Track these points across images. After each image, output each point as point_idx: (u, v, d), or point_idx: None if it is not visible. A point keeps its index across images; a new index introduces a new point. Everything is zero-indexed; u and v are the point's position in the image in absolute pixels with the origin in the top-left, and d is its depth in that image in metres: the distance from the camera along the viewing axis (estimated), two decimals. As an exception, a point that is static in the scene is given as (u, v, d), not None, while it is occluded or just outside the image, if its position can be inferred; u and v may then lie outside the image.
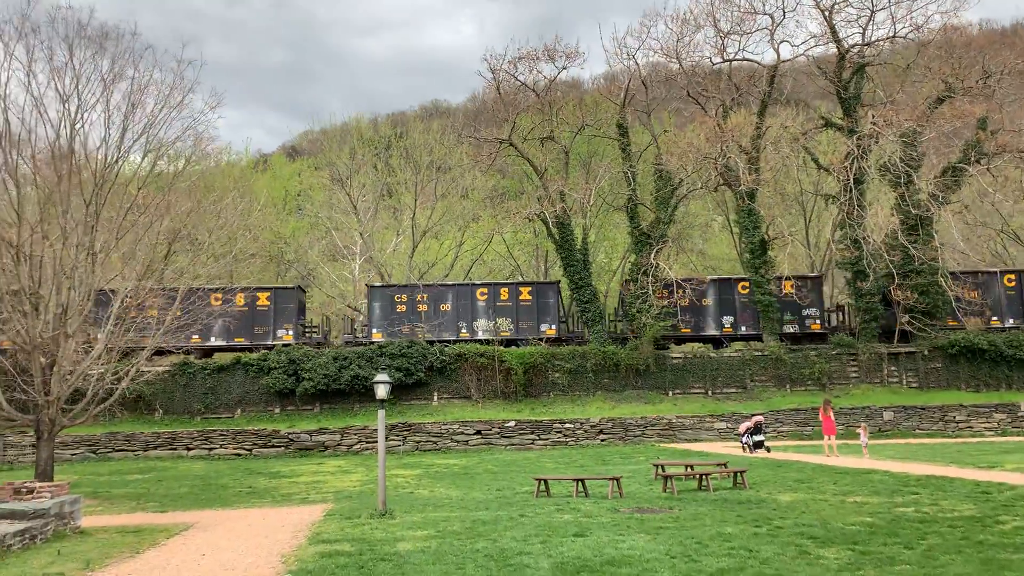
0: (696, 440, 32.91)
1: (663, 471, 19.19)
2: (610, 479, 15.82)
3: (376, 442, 32.78)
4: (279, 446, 32.06)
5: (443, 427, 32.96)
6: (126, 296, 19.83)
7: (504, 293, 38.07)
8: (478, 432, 32.83)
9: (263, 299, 37.21)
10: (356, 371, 34.66)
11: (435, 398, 36.07)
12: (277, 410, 35.07)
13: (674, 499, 15.08)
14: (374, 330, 37.62)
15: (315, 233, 57.67)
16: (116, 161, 18.94)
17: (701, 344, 39.37)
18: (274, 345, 36.41)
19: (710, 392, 36.93)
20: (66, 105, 18.33)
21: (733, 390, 36.98)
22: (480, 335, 37.71)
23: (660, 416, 33.58)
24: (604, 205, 44.95)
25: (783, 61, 39.28)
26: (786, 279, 36.20)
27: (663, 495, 15.80)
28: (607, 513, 13.17)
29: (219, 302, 36.17)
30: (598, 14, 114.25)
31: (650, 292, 35.08)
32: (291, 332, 37.04)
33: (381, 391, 13.63)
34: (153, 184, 20.46)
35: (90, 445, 31.84)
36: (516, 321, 37.87)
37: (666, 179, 38.35)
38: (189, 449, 31.75)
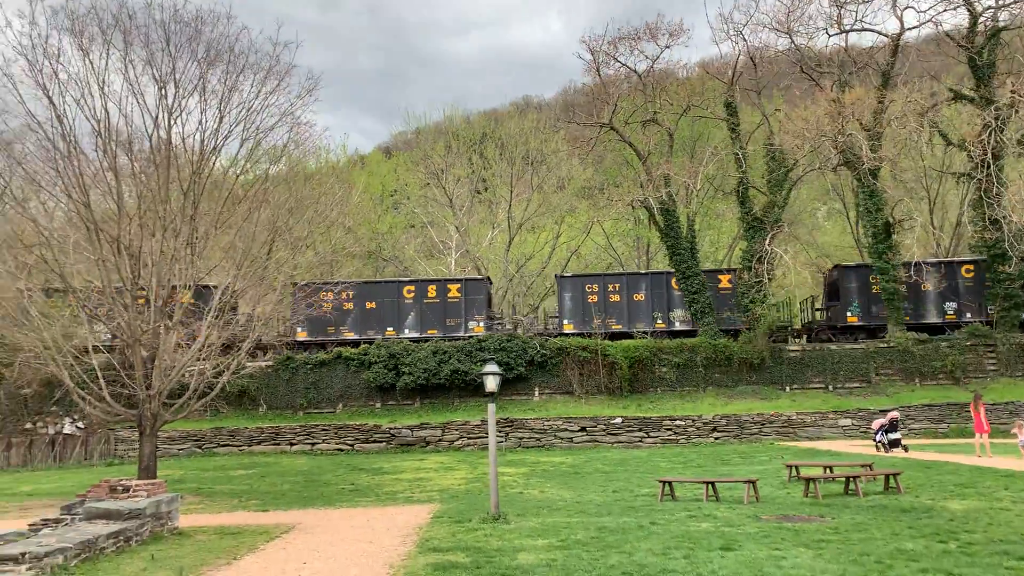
0: (818, 438, 30.59)
1: (797, 472, 17.41)
2: (745, 482, 14.15)
3: (480, 438, 31.98)
4: (380, 441, 31.47)
5: (546, 423, 31.69)
6: (226, 288, 19.30)
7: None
8: (583, 429, 31.42)
9: (454, 291, 36.88)
10: (456, 365, 33.83)
11: (536, 393, 34.86)
12: (378, 405, 34.55)
13: (821, 505, 13.32)
14: (565, 321, 36.75)
15: (412, 232, 57.43)
16: (214, 149, 18.38)
17: (923, 333, 35.38)
18: (468, 337, 35.72)
19: (831, 387, 34.45)
20: (163, 91, 17.87)
21: (856, 385, 34.39)
22: (677, 325, 36.47)
23: (778, 413, 31.39)
24: (709, 191, 42.73)
25: (908, 29, 36.25)
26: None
27: (805, 500, 14.04)
28: (749, 521, 11.58)
29: (411, 294, 36.03)
30: (692, 1, 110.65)
31: (765, 280, 32.87)
32: (481, 323, 36.45)
33: (491, 383, 12.39)
34: (252, 172, 19.86)
35: (196, 440, 31.98)
36: (716, 310, 36.10)
37: (779, 160, 35.99)
38: (292, 444, 31.51)
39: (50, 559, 8.76)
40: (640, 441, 31.03)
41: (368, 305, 36.35)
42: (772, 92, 45.36)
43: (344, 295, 36.02)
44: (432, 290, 36.59)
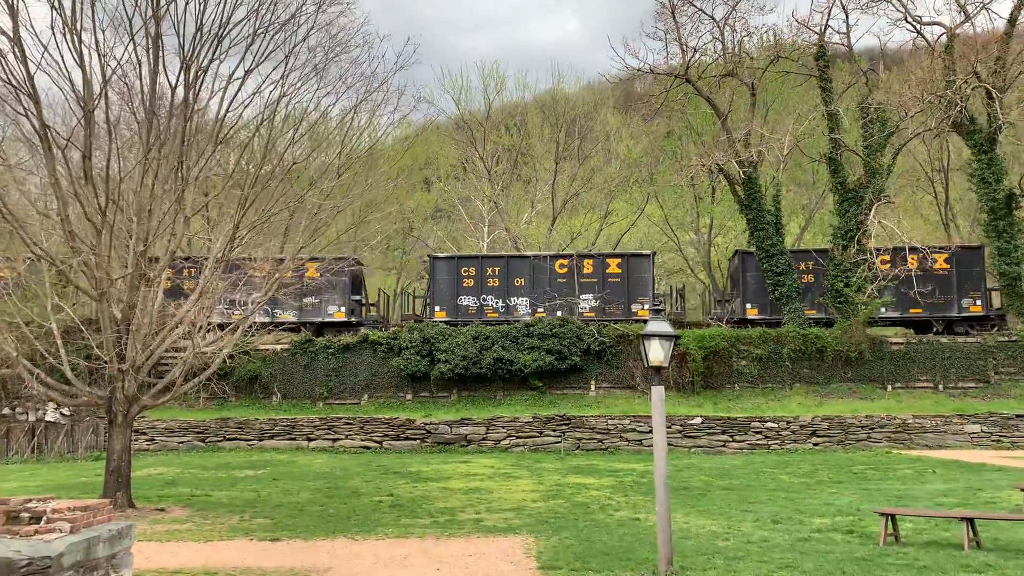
0: (941, 446, 25.44)
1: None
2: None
3: (531, 437, 26.88)
4: (414, 439, 26.59)
5: (610, 423, 26.66)
6: (228, 239, 14.40)
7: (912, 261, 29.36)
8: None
9: (940, 261, 31.04)
10: (499, 352, 28.84)
11: (592, 387, 29.81)
12: (409, 396, 29.62)
13: None
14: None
15: (438, 215, 52.65)
16: (214, 40, 13.45)
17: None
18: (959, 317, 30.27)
19: (941, 386, 29.20)
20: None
21: (971, 384, 29.11)
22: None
23: (891, 416, 26.23)
24: (789, 162, 37.51)
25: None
26: None
27: None
28: None
29: (886, 266, 29.61)
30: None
31: (875, 259, 27.72)
32: (978, 302, 30.68)
33: (657, 350, 7.36)
34: (263, 79, 14.87)
35: (199, 432, 27.23)
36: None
37: (882, 121, 30.73)
38: (310, 440, 26.71)
39: None
40: (723, 446, 25.99)
41: None
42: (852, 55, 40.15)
43: (803, 266, 30.79)
44: (913, 261, 29.81)
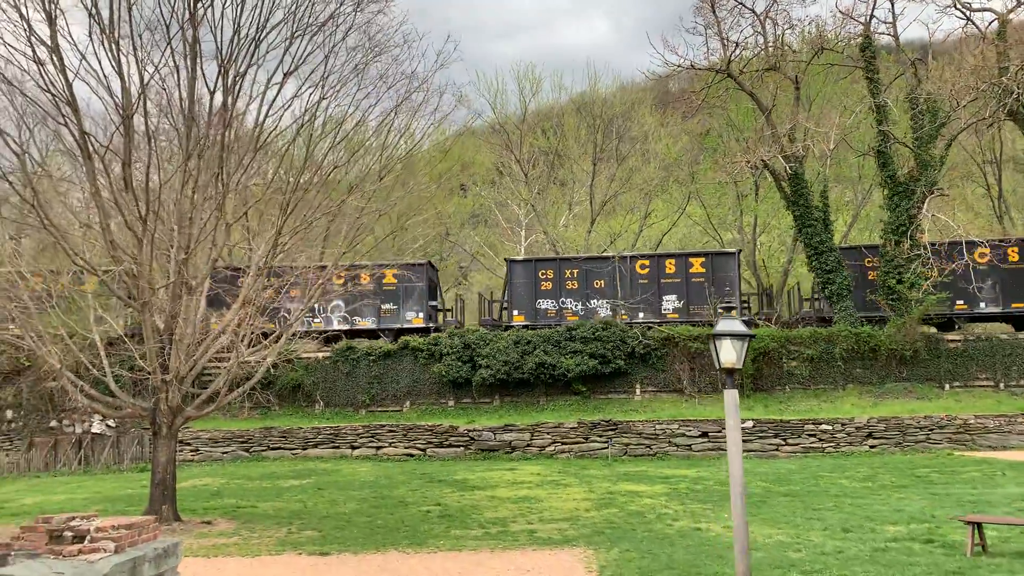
0: (1005, 447, 24.41)
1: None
2: None
3: (576, 443, 26.53)
4: (457, 446, 26.24)
5: (658, 427, 26.03)
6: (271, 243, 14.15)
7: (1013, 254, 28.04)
8: (704, 434, 25.68)
9: None
10: (542, 357, 28.34)
11: (637, 391, 29.17)
12: (451, 402, 29.29)
13: None
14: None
15: (476, 221, 52.33)
16: (252, 44, 13.23)
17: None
18: None
19: (1002, 385, 28.08)
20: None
21: (1035, 383, 27.98)
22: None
23: (950, 416, 25.23)
24: (834, 156, 36.57)
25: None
26: None
27: None
28: None
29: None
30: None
31: (929, 254, 26.78)
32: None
33: (728, 350, 6.86)
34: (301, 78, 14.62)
35: (242, 442, 27.16)
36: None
37: (932, 112, 29.74)
38: (354, 448, 26.50)
39: None
40: (776, 450, 25.22)
41: None
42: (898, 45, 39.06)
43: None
44: (1015, 253, 28.17)
